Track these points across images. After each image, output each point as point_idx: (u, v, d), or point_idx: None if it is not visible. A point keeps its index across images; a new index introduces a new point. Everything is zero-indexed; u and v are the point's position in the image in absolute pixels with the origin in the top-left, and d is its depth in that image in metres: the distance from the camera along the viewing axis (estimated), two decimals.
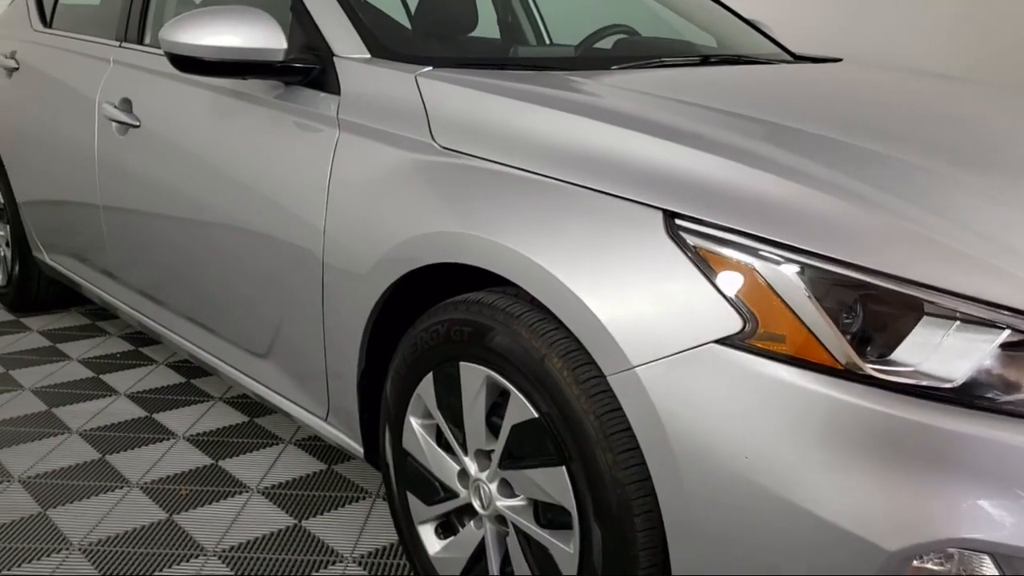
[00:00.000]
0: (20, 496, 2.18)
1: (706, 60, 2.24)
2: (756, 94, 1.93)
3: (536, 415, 1.41)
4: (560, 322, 1.37)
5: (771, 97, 1.92)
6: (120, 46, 2.63)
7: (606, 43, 2.79)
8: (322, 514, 2.16)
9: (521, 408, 1.43)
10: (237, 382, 2.26)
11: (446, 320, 1.55)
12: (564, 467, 1.38)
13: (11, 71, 3.18)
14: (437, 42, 2.41)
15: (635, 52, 2.63)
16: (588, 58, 2.54)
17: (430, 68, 1.76)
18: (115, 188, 2.53)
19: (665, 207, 1.30)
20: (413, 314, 1.72)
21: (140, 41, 2.59)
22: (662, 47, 2.68)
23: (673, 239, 1.27)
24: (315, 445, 2.49)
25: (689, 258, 1.25)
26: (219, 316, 2.26)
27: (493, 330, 1.46)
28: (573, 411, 1.34)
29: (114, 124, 2.49)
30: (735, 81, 2.05)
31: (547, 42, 3.41)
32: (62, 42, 2.98)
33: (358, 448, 1.89)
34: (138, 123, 2.39)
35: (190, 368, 2.97)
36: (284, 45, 1.88)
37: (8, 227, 3.38)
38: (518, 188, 1.47)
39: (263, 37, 1.88)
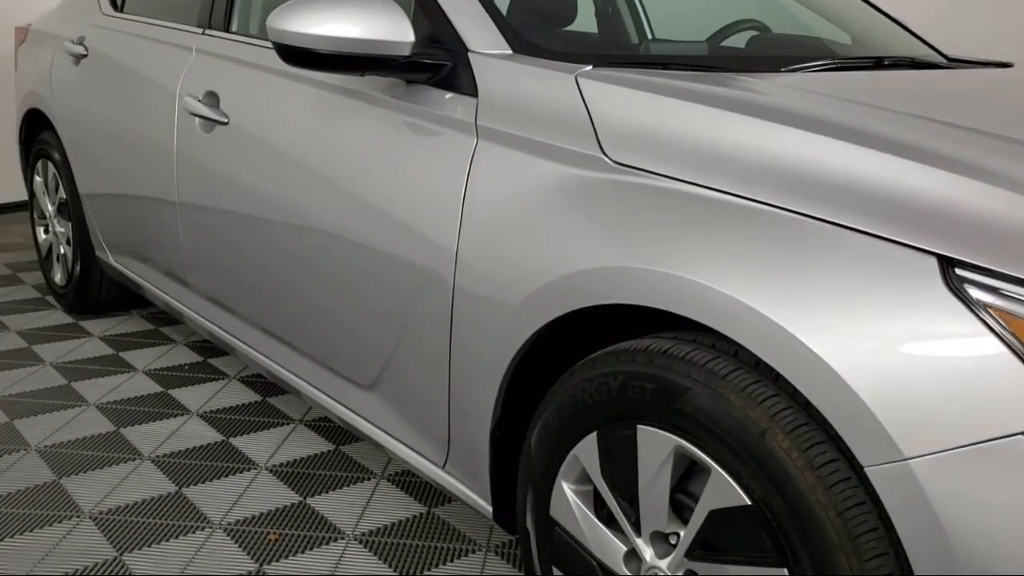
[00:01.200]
0: (91, 533, 1.96)
1: (880, 63, 1.96)
2: (976, 106, 1.64)
3: (748, 502, 1.15)
4: (783, 387, 1.12)
5: (997, 111, 1.62)
6: (203, 33, 2.40)
7: (736, 39, 2.52)
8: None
9: (726, 490, 1.16)
10: (328, 409, 2.02)
11: (620, 372, 1.29)
12: (786, 570, 1.12)
13: (79, 58, 2.96)
14: (544, 36, 2.15)
15: (783, 51, 2.35)
16: (752, 58, 2.24)
17: (589, 67, 1.50)
18: (196, 190, 2.29)
19: (941, 252, 1.03)
20: (560, 356, 1.47)
21: (226, 28, 2.36)
22: (806, 46, 2.40)
23: (955, 293, 1.00)
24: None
25: (980, 319, 0.98)
26: (312, 336, 2.02)
27: (688, 391, 1.19)
28: (805, 503, 1.07)
29: (197, 120, 2.26)
30: (936, 88, 1.76)
31: (649, 36, 3.14)
32: (136, 28, 2.76)
33: (485, 506, 1.63)
34: (226, 120, 2.15)
35: (264, 384, 2.74)
36: (411, 38, 1.63)
37: (70, 224, 3.17)
38: (723, 216, 1.20)
39: (387, 28, 1.63)
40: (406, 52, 1.64)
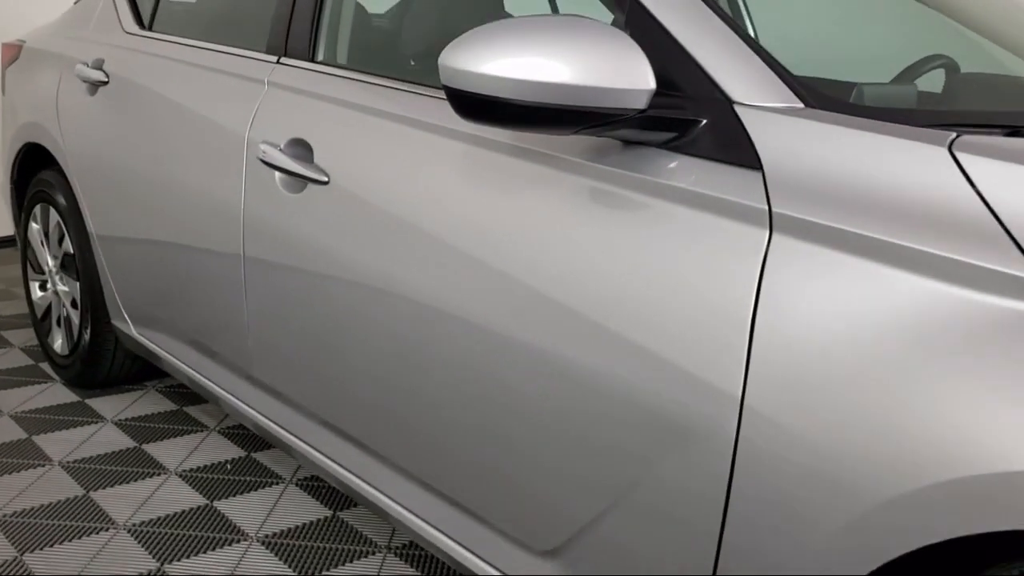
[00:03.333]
0: None
1: None
2: None
3: None
4: None
5: None
6: (279, 63, 1.90)
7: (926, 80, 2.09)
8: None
9: None
10: (465, 565, 1.53)
11: None
12: None
13: (96, 85, 2.43)
14: None
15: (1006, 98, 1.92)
16: None
17: (954, 135, 1.04)
18: (274, 264, 1.78)
19: None
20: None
21: (311, 58, 1.86)
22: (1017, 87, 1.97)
23: None
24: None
25: None
26: (450, 473, 1.52)
27: None
28: None
29: (278, 175, 1.76)
30: None
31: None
32: (173, 51, 2.24)
33: None
34: (325, 178, 1.65)
35: (328, 490, 2.23)
36: (651, 85, 1.16)
37: (78, 284, 2.63)
38: None
39: (619, 71, 1.15)
40: (642, 104, 1.16)
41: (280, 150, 1.75)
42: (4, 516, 2.07)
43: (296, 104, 1.79)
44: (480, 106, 1.19)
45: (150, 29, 2.42)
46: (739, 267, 1.09)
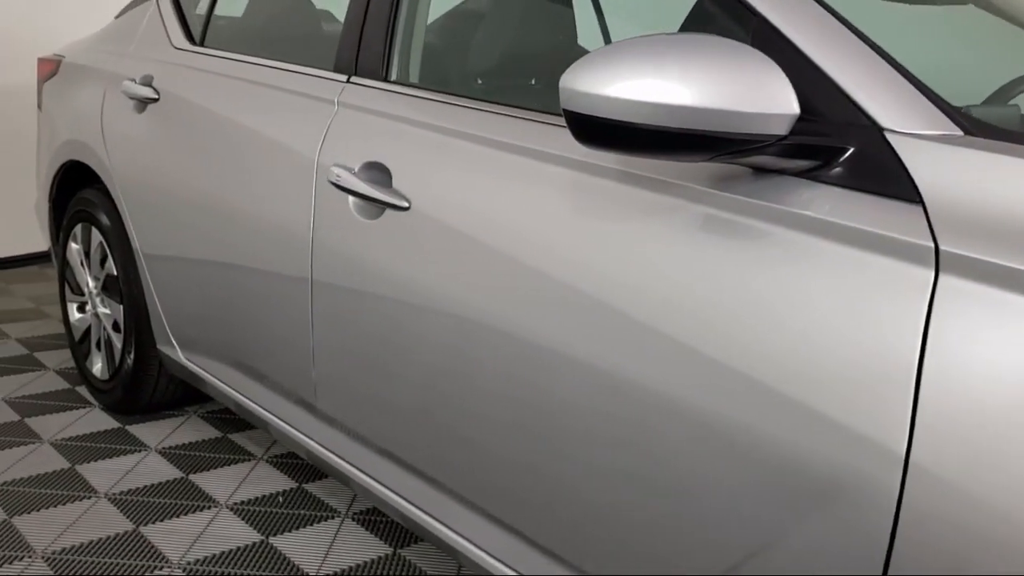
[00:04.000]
0: None
1: None
2: None
3: None
4: None
5: None
6: (349, 82, 1.82)
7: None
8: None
9: None
10: None
11: None
12: None
13: (145, 102, 2.35)
14: None
15: None
16: None
17: None
18: (347, 293, 1.70)
19: None
20: None
21: (384, 77, 1.78)
22: None
23: None
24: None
25: None
26: (537, 513, 1.43)
27: None
28: None
29: (352, 199, 1.67)
30: None
31: None
32: (229, 68, 2.16)
33: None
34: (406, 204, 1.57)
35: (388, 525, 2.14)
36: (795, 109, 1.07)
37: (121, 307, 2.54)
38: None
39: (760, 93, 1.06)
40: (783, 130, 1.07)
41: (354, 173, 1.67)
42: (54, 553, 1.98)
43: (370, 126, 1.70)
44: (605, 131, 1.10)
45: (201, 44, 2.35)
46: (902, 309, 1.00)
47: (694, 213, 1.20)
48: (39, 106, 3.12)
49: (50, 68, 3.00)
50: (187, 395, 2.69)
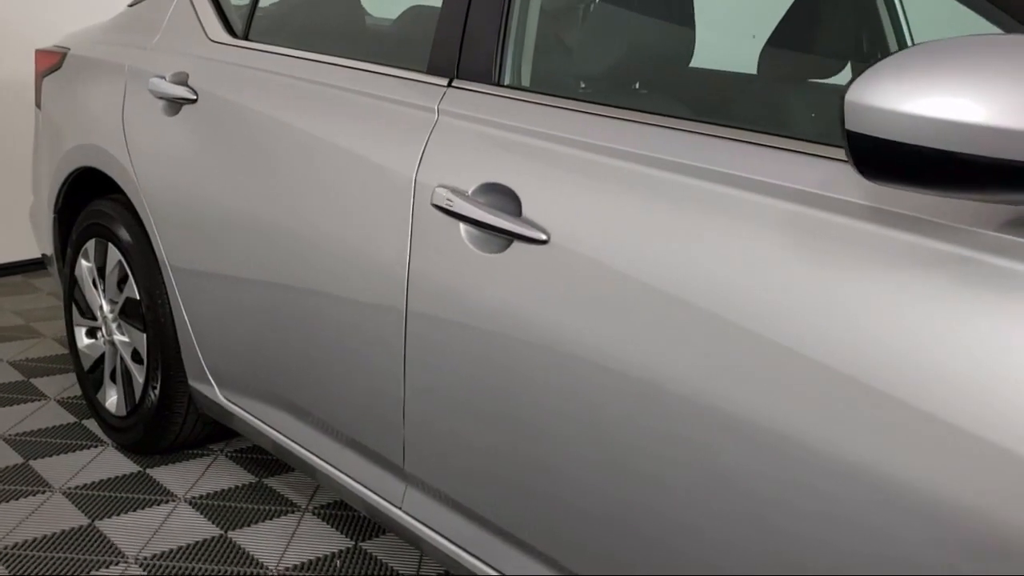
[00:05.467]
0: None
1: None
2: None
3: None
4: None
5: None
6: (451, 86, 1.54)
7: None
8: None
9: None
10: None
11: None
12: None
13: (179, 103, 2.05)
14: None
15: None
16: None
17: None
18: (459, 338, 1.41)
19: None
20: None
21: (496, 80, 1.50)
22: None
23: None
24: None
25: None
26: None
27: None
28: None
29: (465, 227, 1.39)
30: None
31: None
32: (286, 66, 1.85)
33: None
34: (543, 236, 1.29)
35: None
36: None
37: (145, 336, 2.24)
38: None
39: None
40: None
41: (467, 197, 1.39)
42: None
43: (486, 139, 1.42)
44: (910, 162, 0.84)
45: (246, 38, 2.05)
46: None
47: (990, 268, 0.94)
48: (37, 103, 2.79)
49: (52, 61, 2.67)
50: (214, 432, 2.39)
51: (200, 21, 2.16)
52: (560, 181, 1.31)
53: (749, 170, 1.13)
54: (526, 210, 1.32)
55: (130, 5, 2.57)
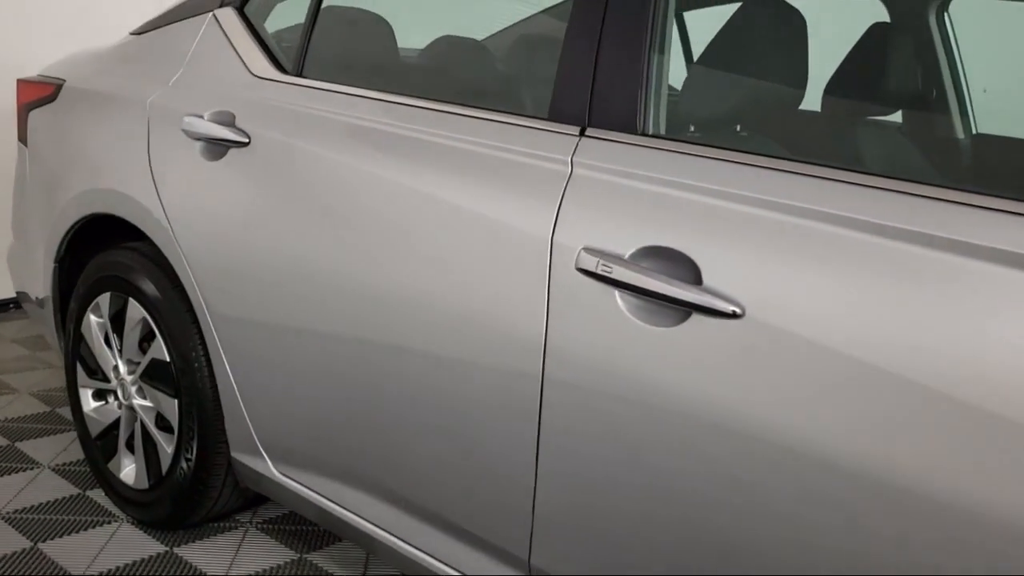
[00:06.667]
0: None
1: None
2: None
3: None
4: None
5: None
6: (583, 135, 1.39)
7: None
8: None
9: None
10: None
11: None
12: None
13: (224, 146, 1.85)
14: None
15: None
16: None
17: None
18: (617, 421, 1.27)
19: None
20: None
21: (640, 128, 1.36)
22: None
23: None
24: None
25: None
26: None
27: None
28: None
29: (621, 295, 1.25)
30: None
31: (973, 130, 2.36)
32: (364, 109, 1.66)
33: None
34: (733, 309, 1.15)
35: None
36: None
37: (177, 402, 2.01)
38: None
39: None
40: None
41: (625, 262, 1.24)
42: None
43: (640, 197, 1.27)
44: None
45: (300, 75, 1.86)
46: None
47: None
48: (21, 138, 2.54)
49: (41, 93, 2.42)
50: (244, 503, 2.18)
51: (239, 54, 1.96)
52: (749, 245, 1.17)
53: (986, 237, 1.02)
54: (707, 278, 1.18)
55: (135, 33, 2.35)
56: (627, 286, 1.23)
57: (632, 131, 1.34)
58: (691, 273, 1.20)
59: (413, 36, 2.21)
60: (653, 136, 1.34)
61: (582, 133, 1.38)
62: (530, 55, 1.79)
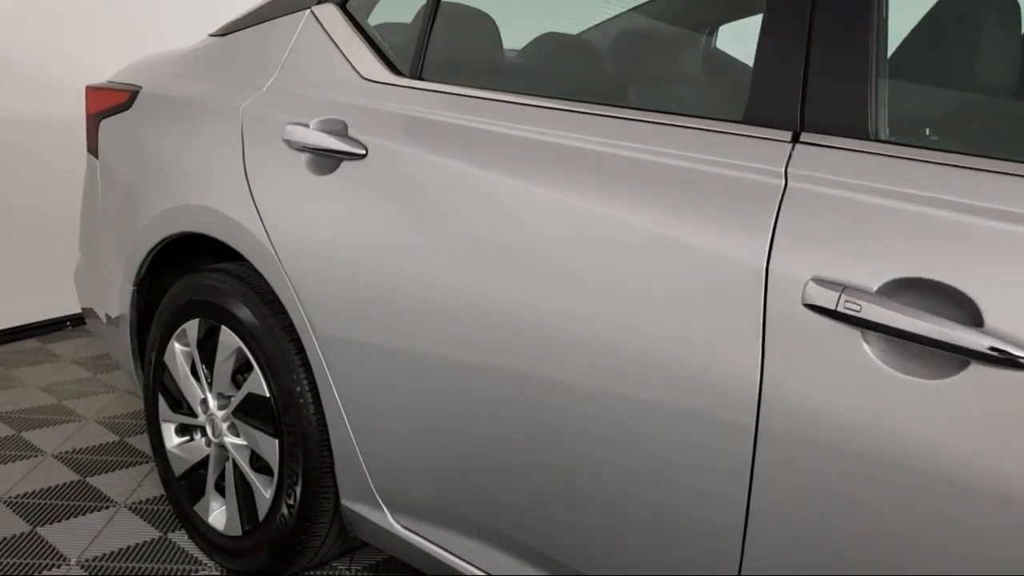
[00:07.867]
0: None
1: None
2: None
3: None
4: None
5: None
6: (798, 141, 1.15)
7: None
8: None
9: None
10: None
11: None
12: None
13: (337, 158, 1.65)
14: None
15: None
16: None
17: None
18: (863, 482, 1.06)
19: None
20: None
21: (871, 133, 1.11)
22: None
23: None
24: None
25: None
26: None
27: None
28: None
29: (870, 338, 1.03)
30: None
31: None
32: (507, 114, 1.45)
33: None
34: (1019, 354, 0.95)
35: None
36: None
37: (278, 442, 1.81)
38: None
39: None
40: None
41: (872, 297, 1.03)
42: None
43: (886, 218, 1.05)
44: None
45: (419, 78, 1.66)
46: None
47: None
48: (91, 150, 2.35)
49: (116, 100, 2.23)
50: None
51: (344, 55, 1.76)
52: None
53: None
54: (989, 319, 0.97)
55: (215, 35, 2.16)
56: (880, 327, 1.02)
57: (862, 136, 1.12)
58: (964, 312, 0.98)
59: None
60: (891, 143, 1.12)
61: (795, 139, 1.17)
62: (674, 50, 1.57)
